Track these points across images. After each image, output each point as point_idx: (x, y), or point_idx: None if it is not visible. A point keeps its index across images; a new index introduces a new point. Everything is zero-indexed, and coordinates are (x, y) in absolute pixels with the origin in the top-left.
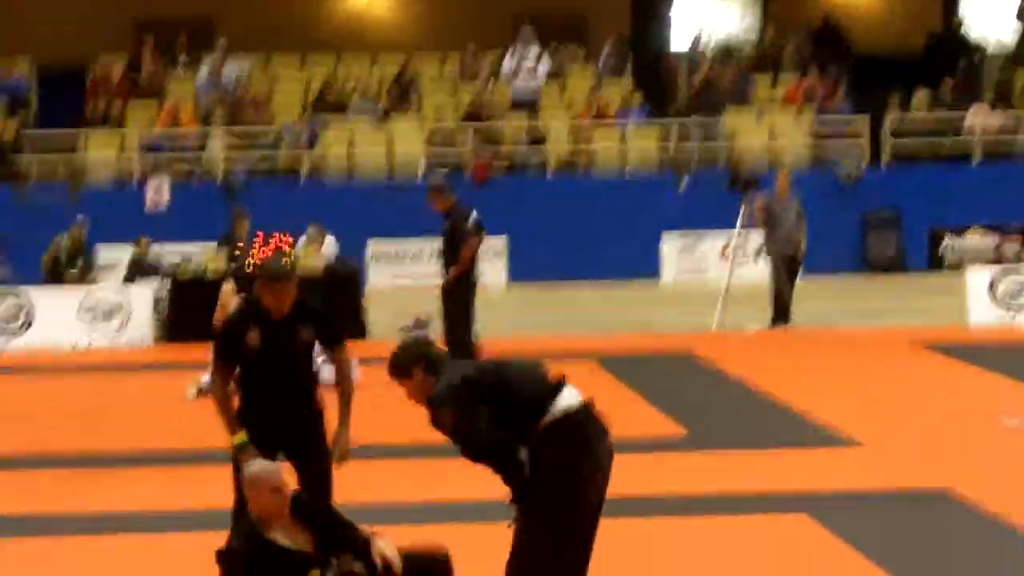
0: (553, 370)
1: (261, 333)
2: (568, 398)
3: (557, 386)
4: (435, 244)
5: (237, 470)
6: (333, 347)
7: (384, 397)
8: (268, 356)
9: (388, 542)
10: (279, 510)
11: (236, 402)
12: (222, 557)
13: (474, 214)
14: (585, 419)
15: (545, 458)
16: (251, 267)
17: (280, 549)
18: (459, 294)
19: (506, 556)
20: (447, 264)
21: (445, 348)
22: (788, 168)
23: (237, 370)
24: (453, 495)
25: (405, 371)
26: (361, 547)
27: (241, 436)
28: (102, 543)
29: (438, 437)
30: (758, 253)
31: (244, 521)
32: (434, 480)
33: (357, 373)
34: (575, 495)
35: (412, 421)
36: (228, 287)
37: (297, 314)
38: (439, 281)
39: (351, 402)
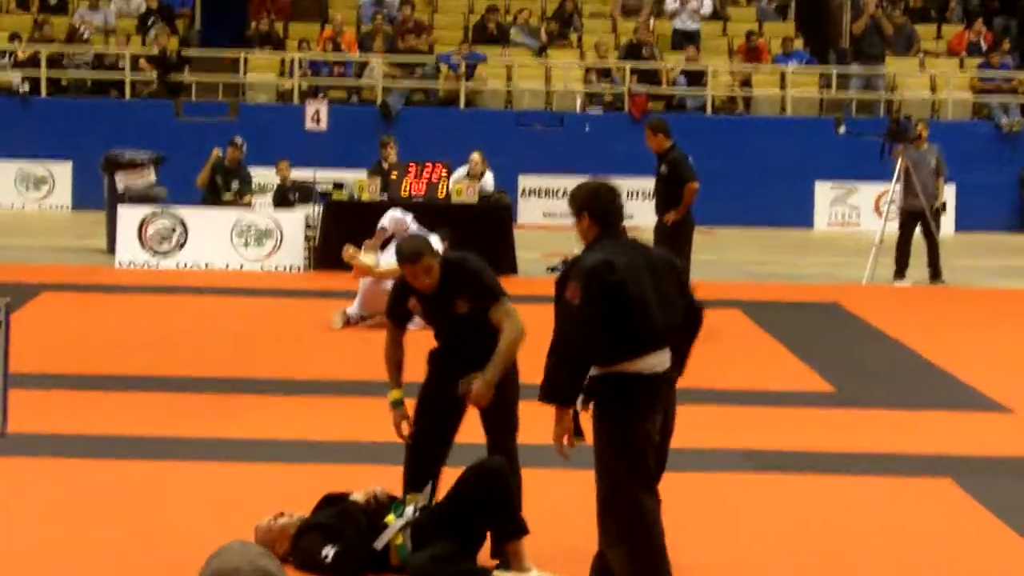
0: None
1: (419, 302)
2: (661, 361)
3: (662, 340)
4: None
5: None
6: (489, 308)
7: (532, 338)
8: (434, 320)
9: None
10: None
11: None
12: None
13: (690, 158)
14: (660, 388)
15: (607, 405)
16: (407, 195)
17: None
18: (678, 236)
19: None
20: (661, 206)
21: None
22: (926, 119)
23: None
24: None
25: (576, 210)
26: None
27: (395, 394)
28: (244, 470)
29: None
30: (890, 204)
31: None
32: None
33: (517, 335)
34: (630, 442)
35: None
36: (368, 244)
37: (448, 286)
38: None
39: (505, 354)
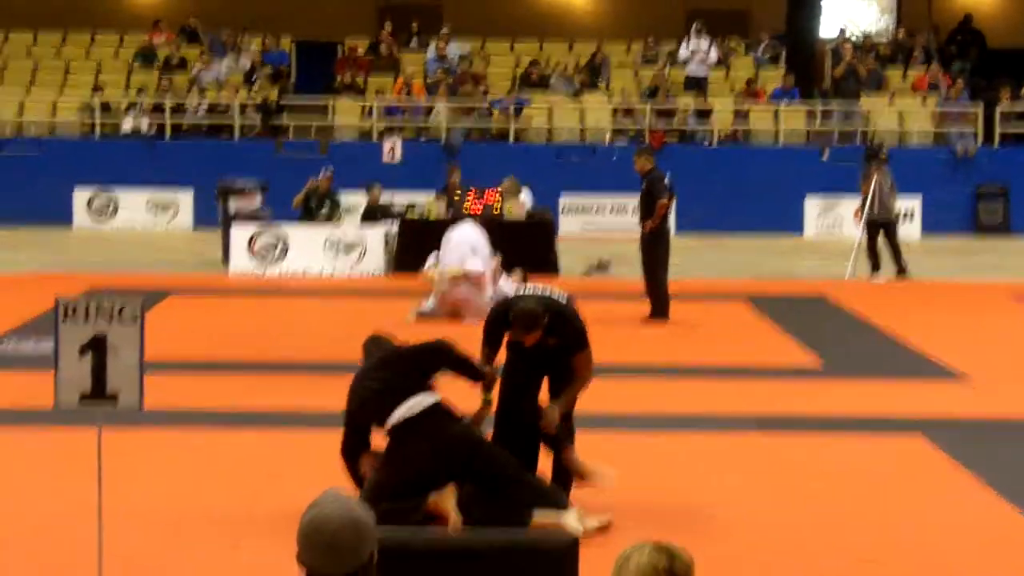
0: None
1: (515, 338)
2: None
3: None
4: (616, 200)
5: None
6: (575, 353)
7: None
8: (521, 346)
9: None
10: None
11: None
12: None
13: (667, 178)
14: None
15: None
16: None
17: None
18: (655, 243)
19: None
20: (643, 218)
21: (646, 287)
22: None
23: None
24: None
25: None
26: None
27: (487, 396)
28: (335, 436)
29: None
30: (856, 216)
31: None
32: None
33: (588, 380)
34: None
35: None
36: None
37: (545, 329)
38: (636, 232)
39: (576, 387)
